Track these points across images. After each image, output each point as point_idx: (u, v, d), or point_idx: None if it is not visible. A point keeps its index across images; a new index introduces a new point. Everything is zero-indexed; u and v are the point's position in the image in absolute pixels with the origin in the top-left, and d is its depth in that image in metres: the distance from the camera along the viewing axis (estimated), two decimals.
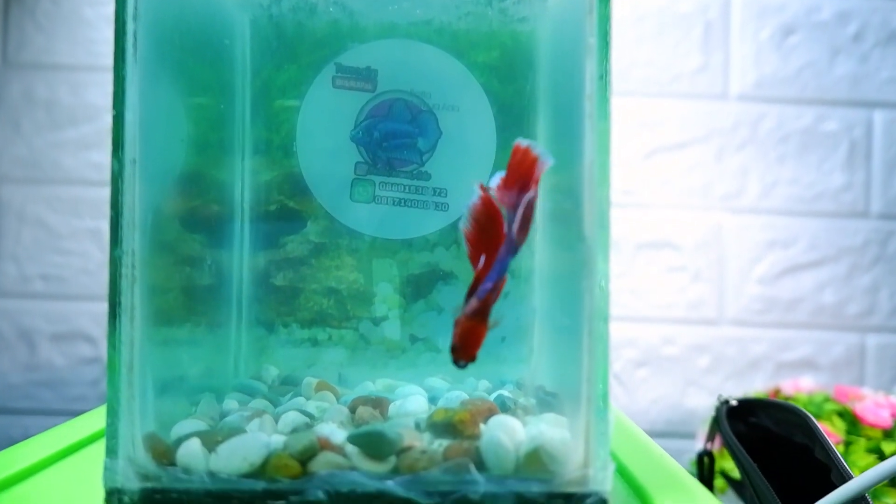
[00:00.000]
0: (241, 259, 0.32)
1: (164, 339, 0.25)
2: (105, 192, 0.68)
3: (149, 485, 0.20)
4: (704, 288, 0.71)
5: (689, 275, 0.71)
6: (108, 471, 0.20)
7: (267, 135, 0.33)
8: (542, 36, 0.32)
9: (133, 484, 0.20)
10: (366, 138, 0.33)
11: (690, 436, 0.69)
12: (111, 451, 0.20)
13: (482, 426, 0.23)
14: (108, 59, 0.68)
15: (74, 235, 0.67)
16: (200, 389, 0.28)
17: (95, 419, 0.31)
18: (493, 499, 0.20)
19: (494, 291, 0.23)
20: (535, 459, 0.21)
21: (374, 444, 0.21)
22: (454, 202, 0.33)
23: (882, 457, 0.48)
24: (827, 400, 0.55)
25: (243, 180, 0.32)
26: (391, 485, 0.20)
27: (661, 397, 0.71)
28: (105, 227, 0.67)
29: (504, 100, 0.33)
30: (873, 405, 0.52)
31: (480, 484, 0.20)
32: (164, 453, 0.21)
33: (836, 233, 0.72)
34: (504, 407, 0.26)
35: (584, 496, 0.20)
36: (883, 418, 0.50)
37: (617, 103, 0.72)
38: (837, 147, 0.72)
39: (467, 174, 0.33)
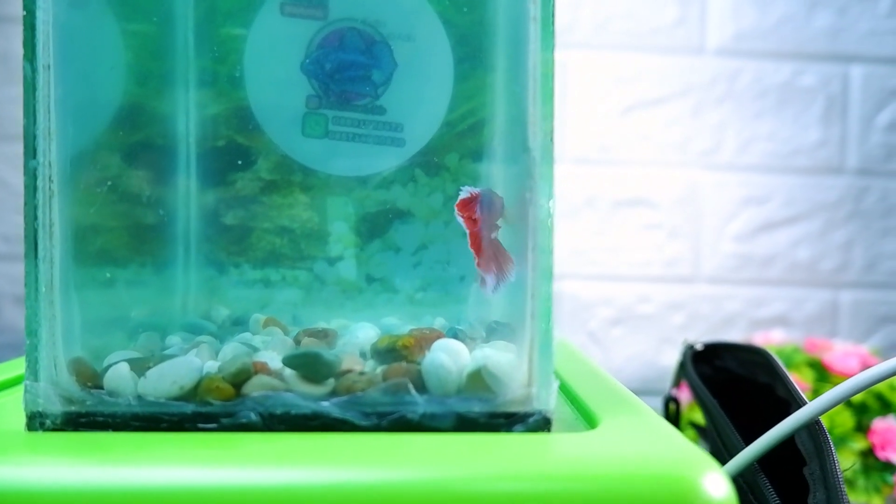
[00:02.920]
0: (188, 197, 0.31)
1: (93, 271, 0.24)
2: None
3: (73, 408, 0.20)
4: (680, 245, 0.71)
5: (665, 232, 0.71)
6: (29, 393, 0.19)
7: (213, 65, 0.31)
8: None
9: (55, 407, 0.19)
10: (317, 70, 0.32)
11: (662, 392, 0.69)
12: (32, 374, 0.19)
13: (427, 352, 0.23)
14: None
15: None
16: (143, 328, 0.27)
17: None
18: (432, 418, 0.20)
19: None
20: (477, 380, 0.20)
21: (309, 365, 0.20)
22: (410, 137, 0.32)
23: (850, 403, 0.48)
24: (797, 351, 0.55)
25: (188, 113, 0.31)
26: (327, 406, 0.20)
27: (636, 355, 0.71)
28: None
29: (461, 30, 0.32)
30: (842, 354, 0.52)
31: (420, 404, 0.20)
32: (89, 377, 0.20)
33: (812, 189, 0.72)
34: (454, 337, 0.25)
35: (526, 415, 0.20)
36: (851, 366, 0.50)
37: (593, 57, 0.71)
38: (814, 102, 0.71)
39: (424, 108, 0.32)
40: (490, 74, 0.32)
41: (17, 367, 0.29)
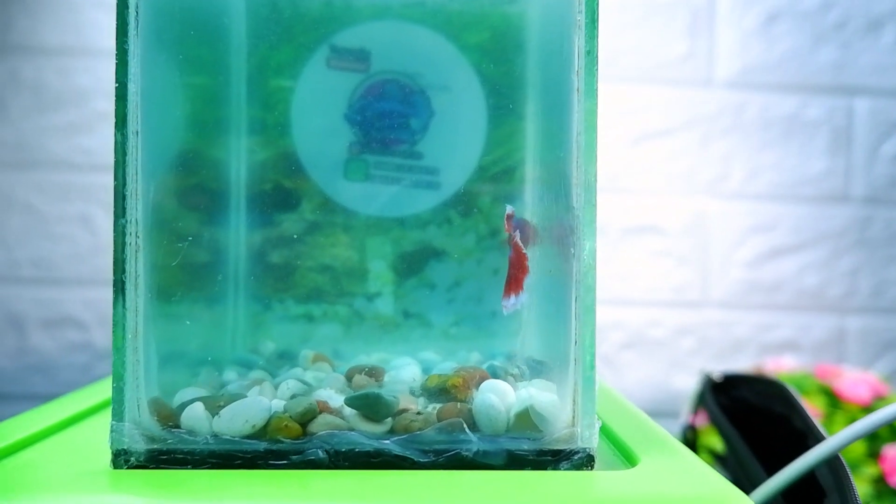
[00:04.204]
0: (238, 236, 0.33)
1: (165, 311, 0.25)
2: (93, 178, 0.68)
3: (154, 446, 0.21)
4: (689, 271, 0.73)
5: (673, 259, 0.72)
6: (115, 433, 0.21)
7: (262, 114, 0.33)
8: (532, 17, 0.33)
9: (139, 445, 0.21)
10: (359, 118, 0.34)
11: (675, 415, 0.70)
12: (117, 415, 0.21)
13: (474, 391, 0.24)
14: (96, 42, 0.67)
15: (63, 220, 0.67)
16: (199, 362, 0.29)
17: (89, 395, 0.32)
18: (485, 456, 0.21)
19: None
20: (525, 419, 0.22)
21: (371, 406, 0.22)
22: (446, 181, 0.34)
23: None
24: (808, 378, 0.56)
25: (239, 159, 0.33)
26: (388, 444, 0.21)
27: (647, 378, 0.73)
28: (95, 212, 0.68)
29: (494, 80, 0.34)
30: (852, 381, 0.53)
31: (473, 442, 0.21)
32: (168, 417, 0.22)
33: (817, 218, 0.74)
34: (495, 375, 0.27)
35: (571, 453, 0.22)
36: (861, 393, 0.52)
37: (603, 90, 0.73)
38: (819, 133, 0.73)
39: (459, 153, 0.34)
40: (521, 122, 0.34)
41: (69, 403, 0.30)
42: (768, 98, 0.73)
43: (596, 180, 0.22)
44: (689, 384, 0.72)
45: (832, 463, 0.28)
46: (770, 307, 0.73)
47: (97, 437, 0.24)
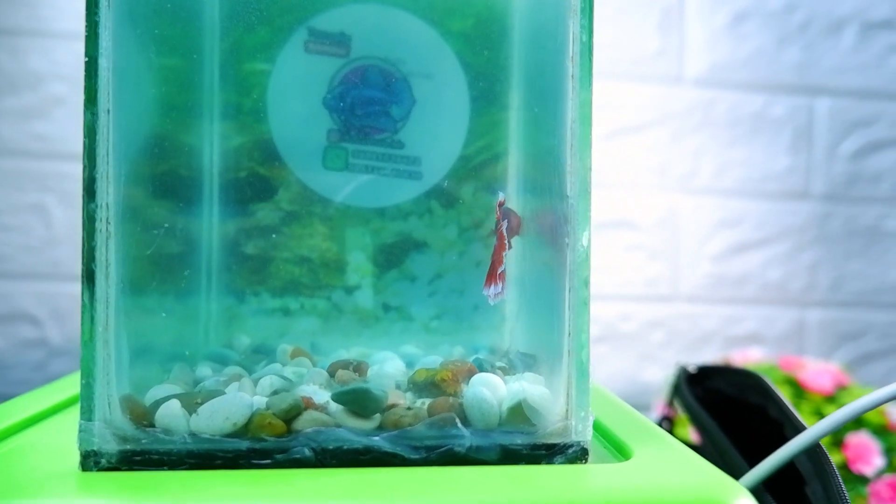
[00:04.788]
0: (211, 226, 0.32)
1: (136, 303, 0.24)
2: (49, 166, 0.64)
3: (127, 446, 0.20)
4: (660, 266, 0.74)
5: (646, 253, 0.73)
6: (84, 433, 0.20)
7: (237, 99, 0.32)
8: (517, 5, 0.32)
9: (111, 446, 0.20)
10: (339, 104, 0.32)
11: (646, 408, 0.71)
12: (86, 413, 0.20)
13: (463, 385, 0.24)
14: (52, 24, 0.64)
15: (16, 210, 0.64)
16: (171, 357, 0.27)
17: (49, 394, 0.30)
18: (477, 451, 0.21)
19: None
20: (518, 413, 0.22)
21: (359, 401, 0.21)
22: (428, 171, 0.33)
23: (823, 418, 0.51)
24: (773, 369, 0.58)
25: (212, 145, 0.31)
26: (378, 440, 0.21)
27: (619, 371, 0.74)
28: (50, 201, 0.64)
29: (478, 68, 0.33)
30: (815, 372, 0.55)
31: (466, 437, 0.21)
32: (141, 415, 0.21)
33: (781, 213, 0.76)
34: (482, 368, 0.26)
35: (566, 446, 0.21)
36: (824, 384, 0.53)
37: None
38: (783, 132, 0.75)
39: (441, 143, 0.33)
40: (506, 111, 0.33)
41: (33, 401, 0.29)
42: (736, 96, 0.74)
43: (590, 170, 0.22)
44: (659, 377, 0.73)
45: (812, 451, 0.28)
46: (736, 301, 0.75)
47: (62, 438, 0.23)
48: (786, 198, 0.76)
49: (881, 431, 0.51)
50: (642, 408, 0.73)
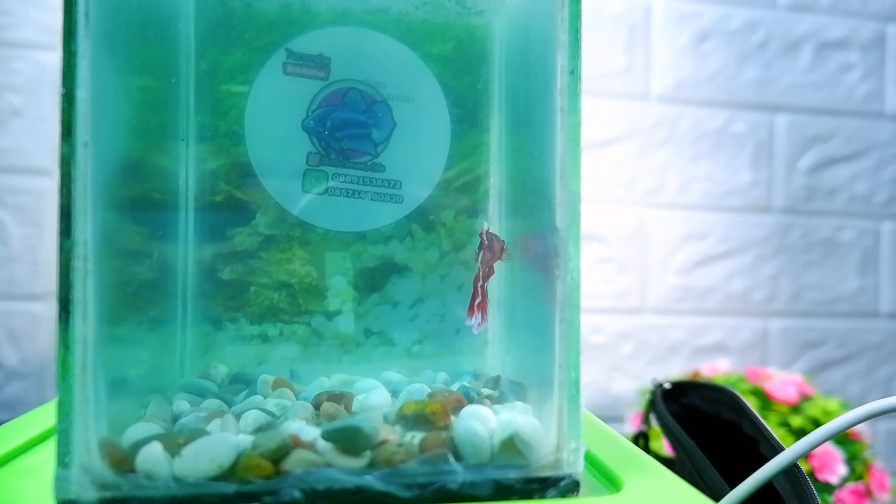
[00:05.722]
0: (186, 252, 0.31)
1: (111, 335, 0.23)
2: (4, 180, 0.62)
3: (107, 494, 0.19)
4: (629, 278, 0.75)
5: (615, 266, 0.74)
6: (61, 481, 0.19)
7: (213, 121, 0.31)
8: (499, 30, 0.32)
9: (89, 494, 0.19)
10: (318, 127, 0.32)
11: (618, 419, 0.72)
12: (63, 460, 0.19)
13: (453, 417, 0.23)
14: (7, 33, 0.61)
15: None
16: (146, 390, 0.26)
17: (11, 431, 0.28)
18: (471, 487, 0.21)
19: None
20: (510, 446, 0.21)
21: (350, 438, 0.21)
22: (408, 194, 0.33)
23: (790, 428, 0.52)
24: (741, 380, 0.59)
25: (187, 168, 0.31)
26: (370, 479, 0.20)
27: (590, 383, 0.74)
28: (5, 217, 0.62)
29: (459, 92, 0.33)
30: (781, 383, 0.56)
31: (459, 473, 0.21)
32: (122, 459, 0.20)
33: (743, 226, 0.78)
34: (469, 398, 0.26)
35: (558, 479, 0.21)
36: (789, 394, 0.55)
37: None
38: (745, 147, 0.77)
39: (422, 166, 0.33)
40: (486, 134, 0.33)
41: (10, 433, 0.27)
42: (699, 112, 0.76)
43: (580, 199, 0.22)
44: (630, 388, 0.74)
45: (789, 470, 0.29)
46: (702, 312, 0.77)
47: (34, 482, 0.22)
48: (748, 211, 0.78)
49: (844, 441, 0.53)
50: (615, 419, 0.74)
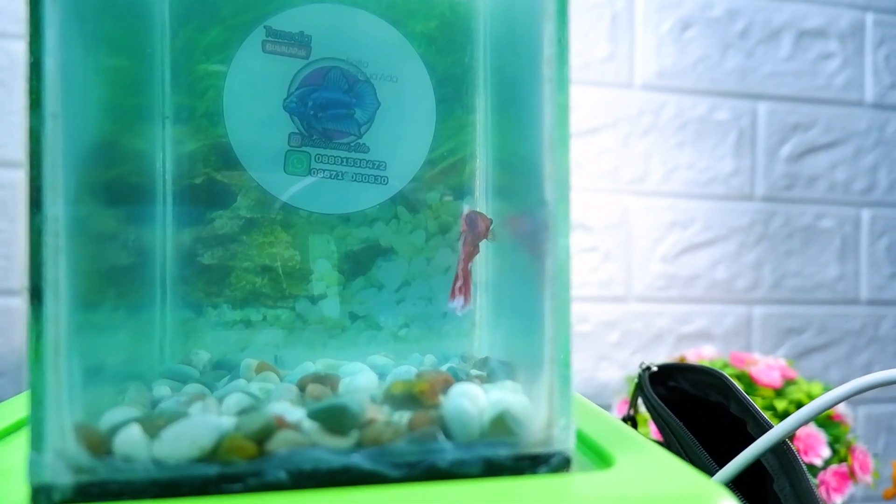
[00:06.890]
0: (165, 236, 0.30)
1: (87, 320, 0.22)
2: None
3: (83, 478, 0.18)
4: (614, 267, 0.75)
5: (600, 255, 0.74)
6: (34, 465, 0.18)
7: (190, 101, 0.30)
8: (483, 6, 0.32)
9: (65, 478, 0.18)
10: (300, 108, 0.31)
11: (605, 407, 0.72)
12: (37, 444, 0.18)
13: (442, 396, 0.23)
14: None
15: None
16: (125, 377, 0.26)
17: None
18: (461, 465, 0.20)
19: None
20: (500, 424, 0.21)
21: (336, 418, 0.20)
22: (393, 175, 0.33)
23: (775, 412, 0.53)
24: (726, 366, 0.60)
25: (164, 150, 0.30)
26: (357, 458, 0.20)
27: (577, 372, 0.74)
28: None
29: (443, 71, 0.33)
30: (765, 368, 0.57)
31: (448, 451, 0.20)
32: (98, 443, 0.19)
33: (727, 214, 0.78)
34: (458, 378, 0.26)
35: (548, 456, 0.21)
36: (774, 379, 0.55)
37: None
38: (727, 135, 0.78)
39: (406, 147, 0.33)
40: (472, 114, 0.33)
41: None
42: (682, 100, 0.77)
43: (569, 174, 0.21)
44: (616, 376, 0.74)
45: (777, 448, 0.29)
46: (686, 299, 0.77)
47: (6, 470, 0.21)
48: (731, 199, 0.78)
49: (827, 423, 0.54)
50: (602, 408, 0.74)
